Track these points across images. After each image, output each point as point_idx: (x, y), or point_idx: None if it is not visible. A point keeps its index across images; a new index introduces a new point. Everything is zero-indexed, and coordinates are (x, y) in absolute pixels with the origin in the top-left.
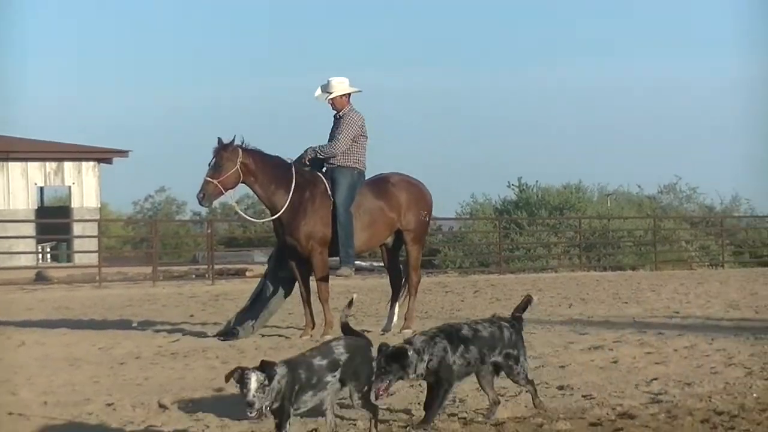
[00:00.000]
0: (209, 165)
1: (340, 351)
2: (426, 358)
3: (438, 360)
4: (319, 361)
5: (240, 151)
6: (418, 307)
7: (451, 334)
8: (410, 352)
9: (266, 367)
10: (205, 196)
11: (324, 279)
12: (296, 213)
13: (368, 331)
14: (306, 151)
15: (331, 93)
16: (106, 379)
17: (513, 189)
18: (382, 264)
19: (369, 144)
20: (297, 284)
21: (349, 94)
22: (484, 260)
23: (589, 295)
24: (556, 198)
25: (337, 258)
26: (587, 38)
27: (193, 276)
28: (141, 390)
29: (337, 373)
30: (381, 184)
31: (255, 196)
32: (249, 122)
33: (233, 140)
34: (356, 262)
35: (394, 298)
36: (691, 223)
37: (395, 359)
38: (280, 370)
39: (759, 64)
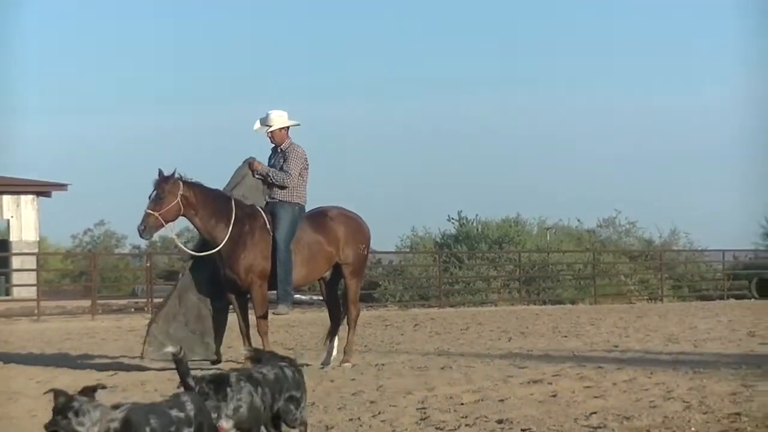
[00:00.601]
0: (150, 197)
1: (190, 407)
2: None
3: (247, 405)
4: (176, 413)
5: (181, 183)
6: (358, 340)
7: (250, 375)
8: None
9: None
10: (146, 228)
11: (264, 314)
12: (236, 246)
13: (308, 365)
14: (254, 161)
15: (270, 126)
16: (44, 413)
17: (453, 222)
18: (321, 297)
19: (309, 177)
20: (236, 318)
21: (288, 128)
22: (424, 294)
23: (529, 328)
24: (496, 231)
25: (275, 292)
26: (519, 65)
27: (132, 309)
28: None
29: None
30: (319, 218)
31: (194, 229)
32: (191, 153)
33: (174, 173)
34: (296, 296)
35: (333, 332)
36: (630, 257)
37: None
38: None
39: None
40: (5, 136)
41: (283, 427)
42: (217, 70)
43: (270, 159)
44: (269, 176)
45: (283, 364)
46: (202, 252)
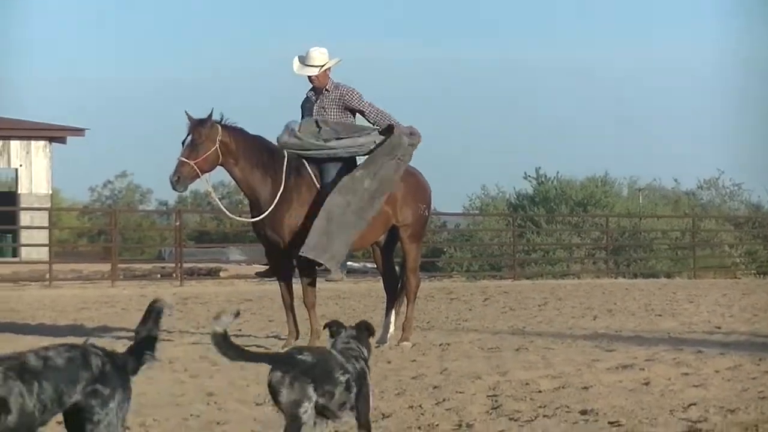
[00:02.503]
0: (183, 144)
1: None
2: None
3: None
4: None
5: (219, 128)
6: (419, 315)
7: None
8: None
9: None
10: (180, 179)
11: (311, 282)
12: (279, 203)
13: None
14: (402, 128)
15: (317, 67)
16: None
17: (530, 181)
18: (375, 265)
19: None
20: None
21: (331, 68)
22: (495, 263)
23: (617, 305)
24: (580, 192)
25: None
26: (623, 18)
27: (159, 275)
28: None
29: None
30: None
31: (233, 183)
32: (225, 98)
33: (211, 115)
34: (348, 264)
35: (390, 306)
36: (736, 224)
37: None
38: None
39: None
40: (15, 73)
41: None
42: (252, 14)
43: (306, 101)
44: (407, 135)
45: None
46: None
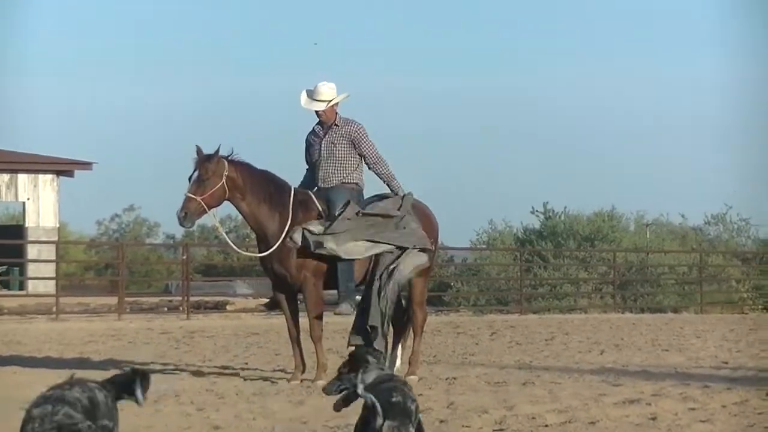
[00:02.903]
0: (190, 179)
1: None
2: None
3: None
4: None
5: (226, 163)
6: (425, 349)
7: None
8: None
9: None
10: (188, 215)
11: (317, 316)
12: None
13: None
14: (397, 189)
15: (321, 101)
16: None
17: (537, 216)
18: None
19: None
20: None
21: (337, 103)
22: (502, 297)
23: (624, 340)
24: (587, 227)
25: (334, 291)
26: (620, 42)
27: (165, 309)
28: None
29: None
30: None
31: (240, 217)
32: (233, 130)
33: (218, 150)
34: (357, 297)
35: (397, 340)
36: (743, 260)
37: None
38: None
39: None
40: (22, 106)
41: None
42: (262, 40)
43: (312, 135)
44: (397, 188)
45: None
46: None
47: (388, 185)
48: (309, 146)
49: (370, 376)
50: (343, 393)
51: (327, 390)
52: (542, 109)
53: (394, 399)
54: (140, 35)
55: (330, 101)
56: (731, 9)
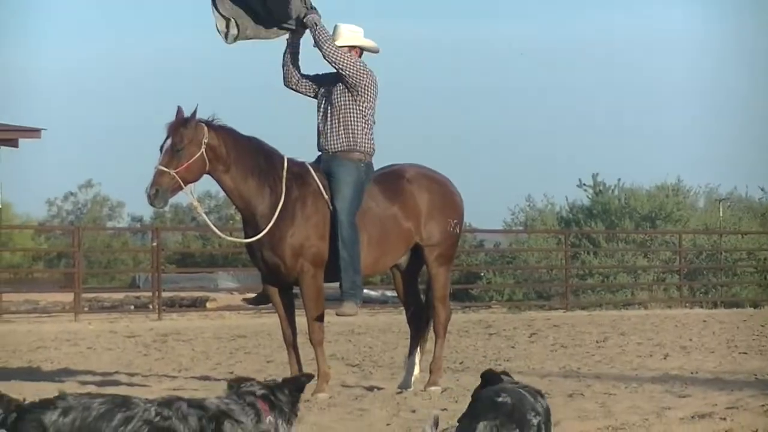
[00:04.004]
0: (162, 149)
1: None
2: None
3: None
4: None
5: (206, 128)
6: (450, 354)
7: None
8: None
9: None
10: (159, 192)
11: (319, 315)
12: (280, 219)
13: (379, 389)
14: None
15: (337, 42)
16: None
17: (586, 190)
18: (396, 294)
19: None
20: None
21: (361, 51)
22: (543, 290)
23: (693, 341)
24: (647, 204)
25: (337, 286)
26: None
27: (132, 307)
28: None
29: None
30: (393, 181)
31: (223, 196)
32: (212, 90)
33: (195, 113)
34: (364, 292)
35: (414, 343)
36: None
37: None
38: None
39: None
40: None
41: None
42: None
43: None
44: (320, 36)
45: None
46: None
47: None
48: (318, 105)
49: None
50: None
51: None
52: (591, 61)
53: (500, 399)
54: None
55: (349, 44)
56: None
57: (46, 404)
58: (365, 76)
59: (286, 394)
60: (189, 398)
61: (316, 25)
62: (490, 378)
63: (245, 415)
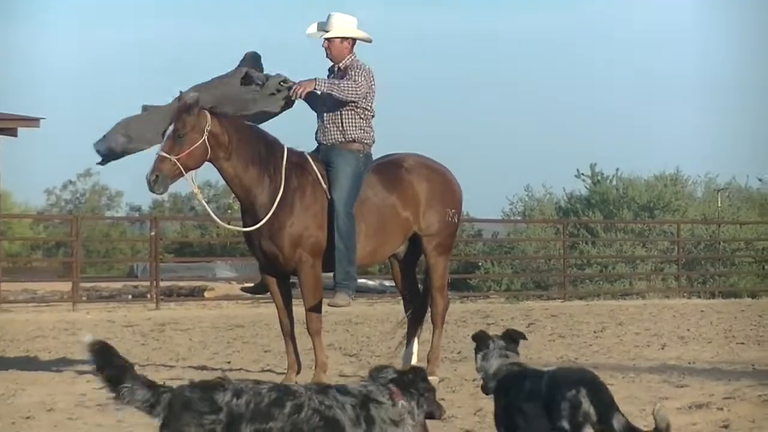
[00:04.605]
0: (164, 135)
1: None
2: None
3: None
4: None
5: (208, 115)
6: (447, 344)
7: None
8: None
9: None
10: (159, 178)
11: (317, 305)
12: (279, 208)
13: None
14: (315, 80)
15: (329, 32)
16: None
17: (584, 180)
18: (394, 283)
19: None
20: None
21: (354, 41)
22: (541, 280)
23: (691, 331)
24: (645, 194)
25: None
26: None
27: (130, 296)
28: None
29: None
30: (391, 171)
31: (223, 184)
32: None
33: (198, 100)
34: (359, 280)
35: (412, 332)
36: None
37: None
38: None
39: None
40: None
41: None
42: None
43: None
44: (333, 90)
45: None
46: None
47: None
48: (316, 101)
49: (492, 365)
50: None
51: None
52: (588, 50)
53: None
54: None
55: (341, 35)
56: None
57: (213, 385)
58: (365, 85)
59: (416, 380)
60: (334, 384)
61: (321, 86)
62: (480, 339)
63: (382, 395)
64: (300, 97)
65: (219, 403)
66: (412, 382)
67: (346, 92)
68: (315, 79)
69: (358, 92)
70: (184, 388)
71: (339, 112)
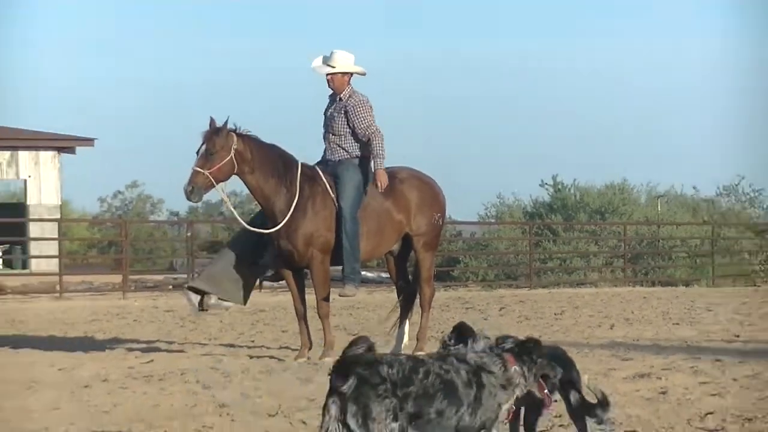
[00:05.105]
0: (197, 153)
1: None
2: None
3: None
4: None
5: (234, 136)
6: (433, 325)
7: None
8: None
9: None
10: (195, 188)
11: (326, 295)
12: (294, 214)
13: None
14: (376, 169)
15: (333, 67)
16: (67, 405)
17: (547, 189)
18: (388, 275)
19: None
20: (291, 297)
21: (351, 74)
22: (511, 272)
23: (635, 314)
24: (598, 200)
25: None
26: (635, 11)
27: (170, 286)
28: (108, 419)
29: None
30: (388, 181)
31: (246, 193)
32: (239, 104)
33: (226, 123)
34: (362, 273)
35: (404, 315)
36: (756, 232)
37: None
38: None
39: None
40: (23, 82)
41: None
42: (262, 18)
43: (327, 108)
44: (384, 154)
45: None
46: (261, 227)
47: (372, 158)
48: (325, 119)
49: (479, 345)
50: None
51: None
52: (550, 81)
53: None
54: (142, 9)
55: (341, 71)
56: None
57: (376, 361)
58: (372, 117)
59: (529, 348)
60: (455, 353)
61: (381, 164)
62: (463, 328)
63: (495, 365)
64: (384, 186)
65: (383, 374)
66: (527, 350)
67: (382, 146)
68: (381, 168)
69: (374, 129)
70: (358, 366)
71: (341, 137)
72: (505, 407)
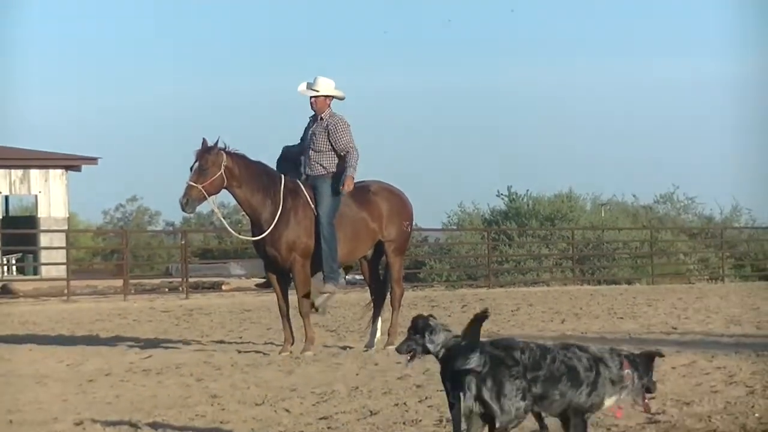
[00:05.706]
0: (191, 169)
1: None
2: None
3: None
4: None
5: (224, 154)
6: (403, 322)
7: None
8: None
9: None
10: (189, 201)
11: (306, 294)
12: (278, 223)
13: (351, 348)
14: (347, 174)
15: (317, 91)
16: (74, 397)
17: (503, 198)
18: (362, 277)
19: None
20: (276, 298)
21: (331, 98)
22: (472, 273)
23: (583, 309)
24: (548, 208)
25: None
26: (577, 36)
27: (166, 289)
28: (111, 409)
29: None
30: (362, 193)
31: (234, 205)
32: (227, 125)
33: (216, 143)
34: (346, 277)
35: (377, 313)
36: (690, 235)
37: None
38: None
39: (755, 63)
40: (32, 108)
41: None
42: (254, 39)
43: (308, 127)
44: (355, 167)
45: None
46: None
47: (345, 168)
48: (304, 135)
49: (440, 337)
50: (412, 351)
51: (399, 349)
52: (505, 104)
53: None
54: (141, 40)
55: (324, 94)
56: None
57: (510, 345)
58: (350, 135)
59: (642, 361)
60: (579, 344)
61: (353, 173)
62: (421, 322)
63: (612, 361)
64: (349, 188)
65: (516, 358)
66: (641, 362)
67: (356, 160)
68: (351, 175)
69: (352, 146)
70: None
71: (321, 153)
72: (607, 402)
